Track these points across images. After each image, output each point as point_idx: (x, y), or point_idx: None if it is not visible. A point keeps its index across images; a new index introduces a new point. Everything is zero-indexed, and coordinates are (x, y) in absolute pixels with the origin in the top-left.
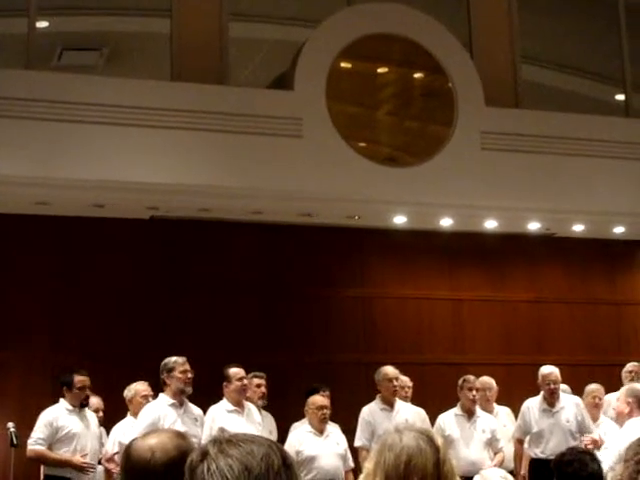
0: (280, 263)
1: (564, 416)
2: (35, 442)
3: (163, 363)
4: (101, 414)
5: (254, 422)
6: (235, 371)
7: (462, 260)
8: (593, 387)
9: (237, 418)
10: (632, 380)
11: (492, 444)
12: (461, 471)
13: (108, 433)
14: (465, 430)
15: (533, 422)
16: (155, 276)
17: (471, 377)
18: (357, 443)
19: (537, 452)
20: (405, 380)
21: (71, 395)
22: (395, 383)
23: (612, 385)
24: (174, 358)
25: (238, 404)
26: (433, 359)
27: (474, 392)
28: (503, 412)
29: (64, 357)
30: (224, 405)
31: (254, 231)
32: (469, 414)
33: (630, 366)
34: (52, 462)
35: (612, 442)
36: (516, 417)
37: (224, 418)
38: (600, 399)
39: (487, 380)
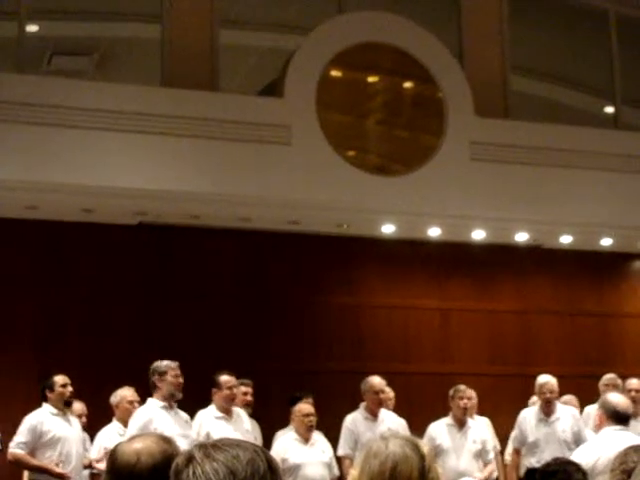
0: (268, 271)
1: (560, 426)
2: (16, 446)
3: (154, 366)
4: (84, 419)
5: (242, 429)
6: (226, 379)
7: (450, 270)
8: (566, 398)
9: (225, 424)
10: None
11: (482, 455)
12: None
13: (91, 438)
14: (455, 440)
15: (529, 432)
16: (142, 281)
17: (462, 386)
18: (340, 452)
19: (532, 462)
20: (388, 391)
21: (54, 395)
22: (381, 395)
23: (597, 397)
24: (166, 362)
25: (226, 411)
26: (420, 369)
27: (465, 401)
28: (482, 422)
29: (50, 362)
30: (212, 411)
31: (242, 238)
32: (460, 424)
33: (606, 379)
34: (31, 468)
35: (580, 454)
36: (495, 428)
37: (212, 424)
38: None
39: (468, 391)
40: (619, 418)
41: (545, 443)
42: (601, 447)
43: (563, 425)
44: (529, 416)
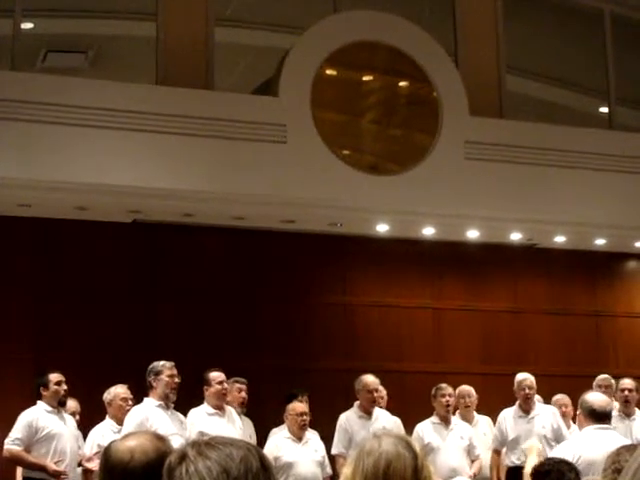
0: (262, 269)
1: (540, 422)
2: (12, 442)
3: (151, 366)
4: (78, 417)
5: (235, 425)
6: (215, 375)
7: (443, 269)
8: (558, 397)
9: (218, 420)
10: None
11: (470, 451)
12: (442, 478)
13: (85, 436)
14: (444, 437)
15: (509, 430)
16: (136, 279)
17: (443, 385)
18: (334, 451)
19: (513, 459)
20: (380, 389)
21: (49, 393)
22: (375, 394)
23: None
24: (162, 362)
25: (218, 407)
26: (413, 367)
27: (447, 398)
28: (483, 421)
29: (44, 359)
30: (205, 408)
31: (237, 237)
32: (445, 422)
33: (600, 380)
34: (27, 464)
35: (560, 452)
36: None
37: (205, 421)
38: (566, 407)
39: (466, 388)
40: (598, 417)
41: (525, 440)
42: (581, 446)
43: (542, 421)
44: (508, 415)
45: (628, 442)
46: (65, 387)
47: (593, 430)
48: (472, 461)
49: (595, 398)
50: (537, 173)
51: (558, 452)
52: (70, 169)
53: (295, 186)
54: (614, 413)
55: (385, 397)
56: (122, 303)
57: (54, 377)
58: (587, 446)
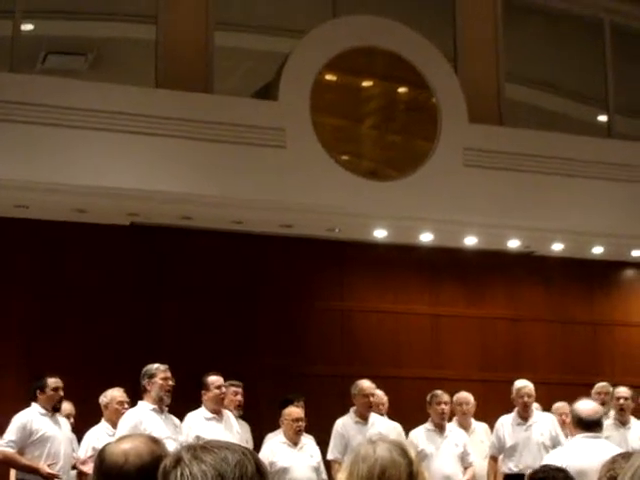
0: (260, 274)
1: (538, 430)
2: (6, 444)
3: (144, 369)
4: (72, 420)
5: (232, 430)
6: (213, 379)
7: (441, 275)
8: (559, 405)
9: (215, 425)
10: (602, 402)
11: (463, 458)
12: None
13: (79, 439)
14: (437, 444)
15: (507, 437)
16: (134, 282)
17: (439, 392)
18: (330, 456)
19: (511, 466)
20: (380, 395)
21: (45, 397)
22: (371, 399)
23: None
24: (156, 365)
25: (216, 412)
26: (410, 374)
27: (443, 406)
28: (480, 428)
29: (39, 362)
30: (202, 412)
31: (234, 240)
32: (440, 429)
33: (598, 388)
34: (20, 467)
35: (549, 460)
36: None
37: (202, 425)
38: (567, 416)
39: (464, 395)
40: (586, 425)
41: (523, 447)
42: (569, 455)
43: (541, 429)
44: (506, 422)
45: (617, 450)
46: (61, 394)
47: (581, 439)
48: (465, 468)
49: (583, 407)
50: (535, 181)
51: (546, 461)
52: (69, 171)
53: (294, 191)
54: (609, 421)
55: (386, 404)
56: (118, 306)
57: (52, 382)
58: (575, 455)
